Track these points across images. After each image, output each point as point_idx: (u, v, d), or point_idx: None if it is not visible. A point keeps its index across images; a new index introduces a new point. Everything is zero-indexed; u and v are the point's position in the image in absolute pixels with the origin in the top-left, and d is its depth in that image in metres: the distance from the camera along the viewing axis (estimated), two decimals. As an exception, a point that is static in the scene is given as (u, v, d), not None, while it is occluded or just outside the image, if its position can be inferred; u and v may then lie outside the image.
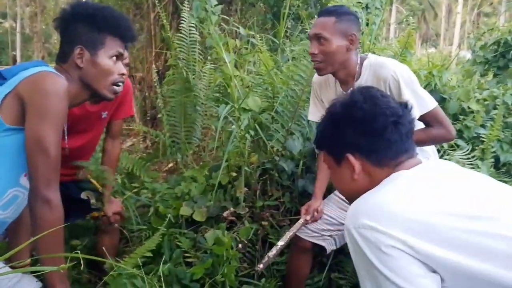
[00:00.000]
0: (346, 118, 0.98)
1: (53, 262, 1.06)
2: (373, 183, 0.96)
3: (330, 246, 1.77)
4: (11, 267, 1.21)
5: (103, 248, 1.88)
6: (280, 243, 1.66)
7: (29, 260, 1.27)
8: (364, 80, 1.57)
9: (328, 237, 1.76)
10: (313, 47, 1.56)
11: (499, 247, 0.78)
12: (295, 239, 1.78)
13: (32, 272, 1.22)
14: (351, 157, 0.97)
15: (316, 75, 1.77)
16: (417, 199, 0.85)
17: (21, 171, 1.13)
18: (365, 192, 0.95)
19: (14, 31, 12.82)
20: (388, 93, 1.49)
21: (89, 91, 1.26)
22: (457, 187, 0.90)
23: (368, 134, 0.95)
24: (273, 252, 1.63)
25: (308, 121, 2.10)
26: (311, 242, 1.76)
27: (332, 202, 1.78)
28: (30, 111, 1.08)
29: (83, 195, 1.74)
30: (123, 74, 1.27)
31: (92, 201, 1.73)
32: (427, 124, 1.55)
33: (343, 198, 1.74)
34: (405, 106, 0.99)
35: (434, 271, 0.80)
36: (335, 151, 1.02)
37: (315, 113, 1.81)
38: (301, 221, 1.73)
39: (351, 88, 1.56)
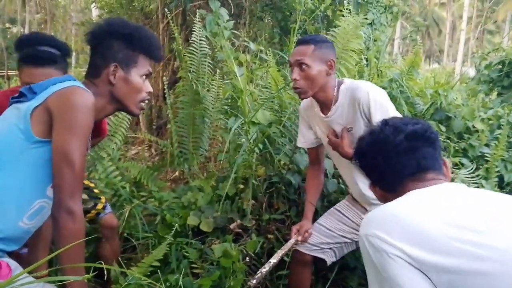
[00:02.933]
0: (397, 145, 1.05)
1: (75, 272, 1.08)
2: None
3: (330, 258, 1.81)
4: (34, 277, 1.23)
5: (104, 255, 1.92)
6: (273, 260, 1.70)
7: (46, 271, 1.29)
8: (342, 103, 1.65)
9: (328, 250, 1.80)
10: (294, 74, 1.64)
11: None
12: (296, 253, 1.81)
13: (53, 282, 1.25)
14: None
15: (302, 103, 1.87)
16: (425, 212, 0.90)
17: (48, 182, 1.16)
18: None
19: (22, 37, 12.93)
20: (362, 114, 1.59)
21: (116, 106, 1.30)
22: (468, 203, 0.93)
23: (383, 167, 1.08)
24: (265, 268, 1.67)
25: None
26: (311, 255, 1.79)
27: (331, 216, 1.83)
28: (58, 124, 1.11)
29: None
30: (149, 92, 1.32)
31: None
32: None
33: (343, 211, 1.79)
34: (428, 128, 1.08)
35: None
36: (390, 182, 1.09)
37: (301, 139, 1.89)
38: (292, 241, 1.78)
39: (330, 112, 1.67)
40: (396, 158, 1.04)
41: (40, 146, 1.13)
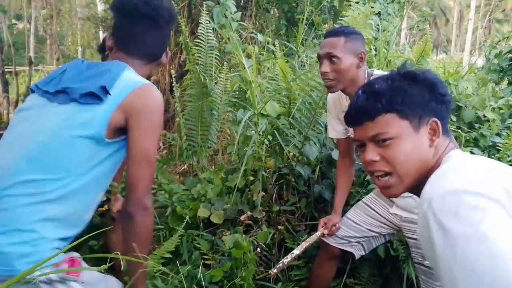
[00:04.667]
0: (429, 82, 0.92)
1: (135, 265, 1.10)
2: (436, 155, 0.91)
3: (358, 252, 1.80)
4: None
5: (113, 246, 1.93)
6: (296, 251, 1.72)
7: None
8: None
9: (356, 243, 1.79)
10: (324, 66, 1.60)
11: None
12: (324, 245, 1.81)
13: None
14: (438, 121, 0.91)
15: (329, 94, 1.83)
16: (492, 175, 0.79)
17: (111, 177, 1.20)
18: (430, 165, 0.90)
19: (28, 33, 13.01)
20: None
21: None
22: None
23: (441, 99, 0.92)
24: (287, 259, 1.68)
25: (325, 127, 2.13)
26: (339, 248, 1.79)
27: (359, 209, 1.80)
28: (139, 124, 1.12)
29: None
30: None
31: None
32: None
33: (370, 205, 1.77)
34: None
35: None
36: (419, 113, 0.91)
37: (332, 131, 1.86)
38: (318, 233, 1.78)
39: None
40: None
41: (108, 147, 1.13)
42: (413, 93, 0.91)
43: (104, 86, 1.10)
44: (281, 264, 1.67)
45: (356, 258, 1.81)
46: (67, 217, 1.11)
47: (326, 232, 1.77)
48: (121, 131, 1.13)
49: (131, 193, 1.12)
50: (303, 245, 1.74)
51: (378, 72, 1.65)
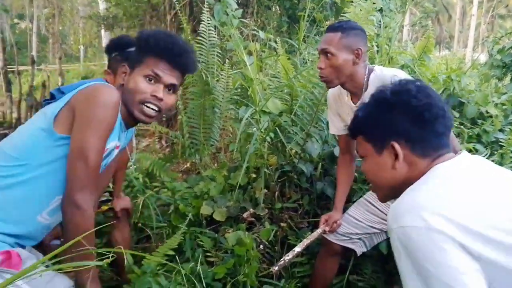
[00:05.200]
0: (401, 105, 0.97)
1: (82, 270, 1.09)
2: (411, 173, 0.96)
3: (360, 249, 1.80)
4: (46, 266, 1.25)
5: (116, 243, 1.93)
6: (297, 249, 1.72)
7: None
8: (372, 91, 1.60)
9: (357, 240, 1.79)
10: (320, 62, 1.61)
11: None
12: (325, 242, 1.81)
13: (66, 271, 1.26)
14: (396, 145, 0.96)
15: (330, 91, 1.83)
16: (460, 199, 0.85)
17: None
18: (400, 181, 0.96)
19: (30, 32, 13.03)
20: None
21: (128, 111, 1.27)
22: (495, 189, 0.90)
23: (419, 123, 0.95)
24: (289, 256, 1.69)
25: (328, 124, 2.12)
26: (341, 245, 1.79)
27: (361, 206, 1.80)
28: (77, 119, 1.11)
29: None
30: (155, 97, 1.23)
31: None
32: None
33: (372, 201, 1.77)
34: (447, 101, 1.01)
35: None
36: (379, 138, 0.99)
37: (332, 127, 1.87)
38: (319, 230, 1.78)
39: (360, 101, 1.62)
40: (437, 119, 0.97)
41: (63, 144, 1.13)
42: (377, 119, 1.00)
43: (59, 87, 1.18)
44: (282, 262, 1.67)
45: (358, 254, 1.81)
46: (8, 209, 1.11)
47: (327, 229, 1.77)
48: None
49: (66, 188, 1.10)
50: (305, 242, 1.75)
51: (378, 69, 1.64)
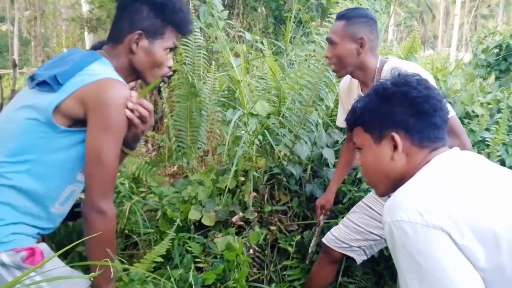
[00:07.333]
0: (400, 96, 0.97)
1: (103, 271, 1.06)
2: (408, 165, 0.96)
3: (359, 257, 1.78)
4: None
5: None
6: (311, 248, 1.96)
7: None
8: None
9: (357, 248, 1.77)
10: (327, 51, 1.61)
11: None
12: (326, 249, 1.81)
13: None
14: (396, 136, 0.96)
15: (342, 82, 1.82)
16: (455, 195, 0.85)
17: (77, 169, 1.13)
18: (397, 173, 0.97)
19: (12, 35, 12.79)
20: None
21: (134, 76, 1.24)
22: (489, 185, 0.90)
23: (418, 114, 0.96)
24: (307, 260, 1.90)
25: (317, 125, 2.11)
26: (341, 253, 1.78)
27: (359, 209, 1.78)
28: (92, 121, 1.07)
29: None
30: (170, 68, 1.25)
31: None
32: None
33: (370, 205, 1.75)
34: (443, 96, 1.01)
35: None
36: (378, 128, 1.00)
37: (338, 120, 1.86)
38: (321, 223, 1.93)
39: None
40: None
41: (67, 135, 1.09)
42: (376, 109, 1.00)
43: (55, 75, 1.08)
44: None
45: (358, 263, 1.79)
46: (23, 203, 1.08)
47: (323, 218, 1.87)
48: (81, 123, 1.10)
49: (86, 194, 1.09)
50: (315, 240, 1.91)
51: (392, 60, 1.60)
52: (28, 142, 1.08)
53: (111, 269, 1.09)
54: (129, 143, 1.24)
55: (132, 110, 1.13)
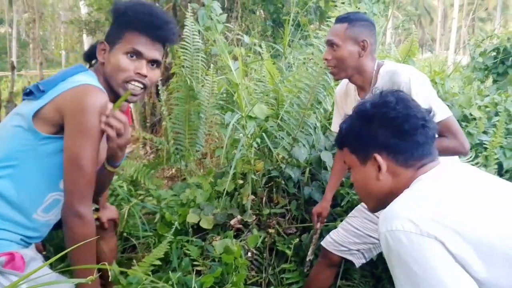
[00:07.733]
0: (380, 118, 0.99)
1: (84, 274, 1.07)
2: (396, 183, 0.98)
3: (358, 260, 1.78)
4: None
5: (102, 254, 1.88)
6: (308, 258, 1.93)
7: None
8: (380, 86, 1.56)
9: (356, 252, 1.77)
10: (326, 53, 1.61)
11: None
12: (325, 253, 1.81)
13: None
14: (378, 157, 0.98)
15: (338, 86, 1.82)
16: (447, 205, 0.86)
17: (59, 177, 1.14)
18: (386, 192, 0.99)
19: (10, 37, 12.78)
20: None
21: (112, 90, 1.22)
22: (480, 197, 0.91)
23: (399, 135, 0.97)
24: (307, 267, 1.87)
25: (315, 128, 2.12)
26: (340, 256, 1.77)
27: (358, 213, 1.78)
28: (69, 127, 1.08)
29: None
30: (139, 74, 1.19)
31: None
32: (440, 134, 1.54)
33: None
34: (429, 111, 1.02)
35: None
36: (362, 150, 1.02)
37: (333, 125, 1.86)
38: (318, 231, 1.90)
39: (368, 94, 1.59)
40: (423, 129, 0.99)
41: (49, 143, 1.11)
42: (359, 132, 1.02)
43: (37, 84, 1.12)
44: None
45: (357, 266, 1.79)
46: (4, 209, 1.09)
47: (321, 226, 1.85)
48: (62, 130, 1.11)
49: (65, 198, 1.10)
50: (312, 248, 1.89)
51: (388, 64, 1.61)
52: (12, 149, 1.10)
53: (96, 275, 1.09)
54: (110, 160, 1.23)
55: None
